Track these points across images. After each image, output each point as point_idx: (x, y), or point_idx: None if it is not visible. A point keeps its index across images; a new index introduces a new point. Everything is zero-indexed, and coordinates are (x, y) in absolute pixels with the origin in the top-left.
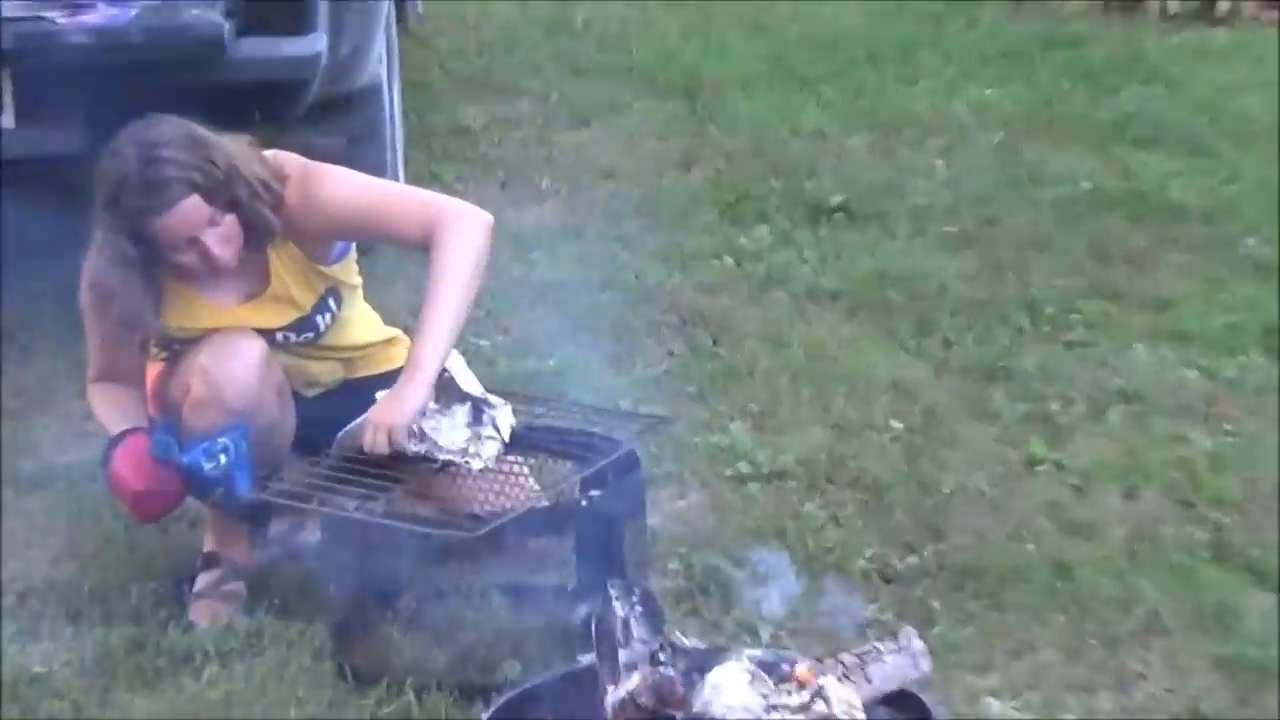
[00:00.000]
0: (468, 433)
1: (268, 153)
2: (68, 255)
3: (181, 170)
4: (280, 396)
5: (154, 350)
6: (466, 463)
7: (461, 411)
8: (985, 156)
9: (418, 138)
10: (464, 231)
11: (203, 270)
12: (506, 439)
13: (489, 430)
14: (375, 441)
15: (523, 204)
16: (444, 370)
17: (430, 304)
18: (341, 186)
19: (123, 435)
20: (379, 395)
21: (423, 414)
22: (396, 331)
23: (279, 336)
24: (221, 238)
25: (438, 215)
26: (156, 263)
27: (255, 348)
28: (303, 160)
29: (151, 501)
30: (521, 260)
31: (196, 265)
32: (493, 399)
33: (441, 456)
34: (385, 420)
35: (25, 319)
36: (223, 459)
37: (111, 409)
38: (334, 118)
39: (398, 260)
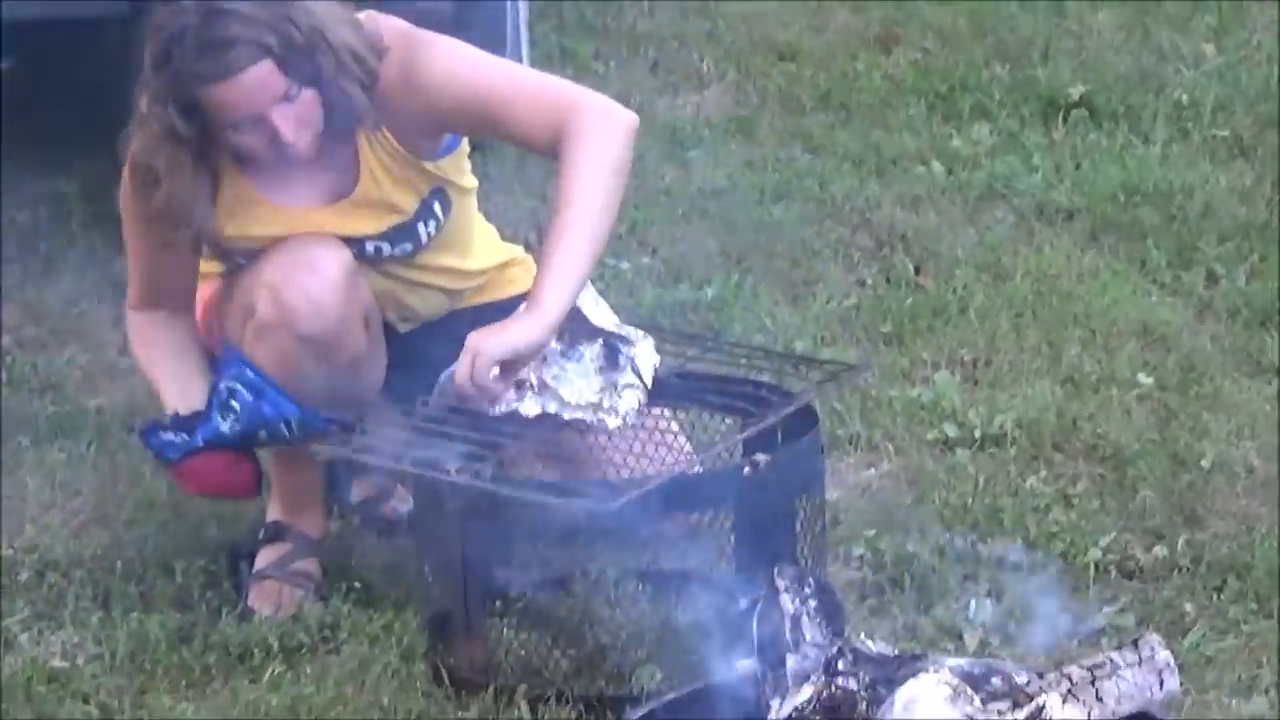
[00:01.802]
0: (599, 381)
1: (362, 14)
2: (101, 144)
3: (251, 28)
4: (368, 325)
5: (207, 265)
6: (600, 420)
7: (591, 353)
8: (1266, 39)
9: (546, 4)
10: (602, 135)
11: (270, 159)
12: (649, 385)
13: (628, 376)
14: (461, 374)
15: (678, 90)
16: None
17: (559, 228)
18: (453, 64)
19: (189, 446)
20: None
21: (535, 358)
22: (516, 250)
23: (369, 248)
24: (296, 118)
25: (570, 111)
26: (212, 145)
27: (337, 260)
28: (406, 27)
29: (236, 487)
30: (675, 162)
31: (262, 151)
32: (631, 332)
33: (567, 416)
34: (486, 348)
35: (46, 224)
36: (236, 404)
37: (165, 364)
38: None
39: (519, 159)
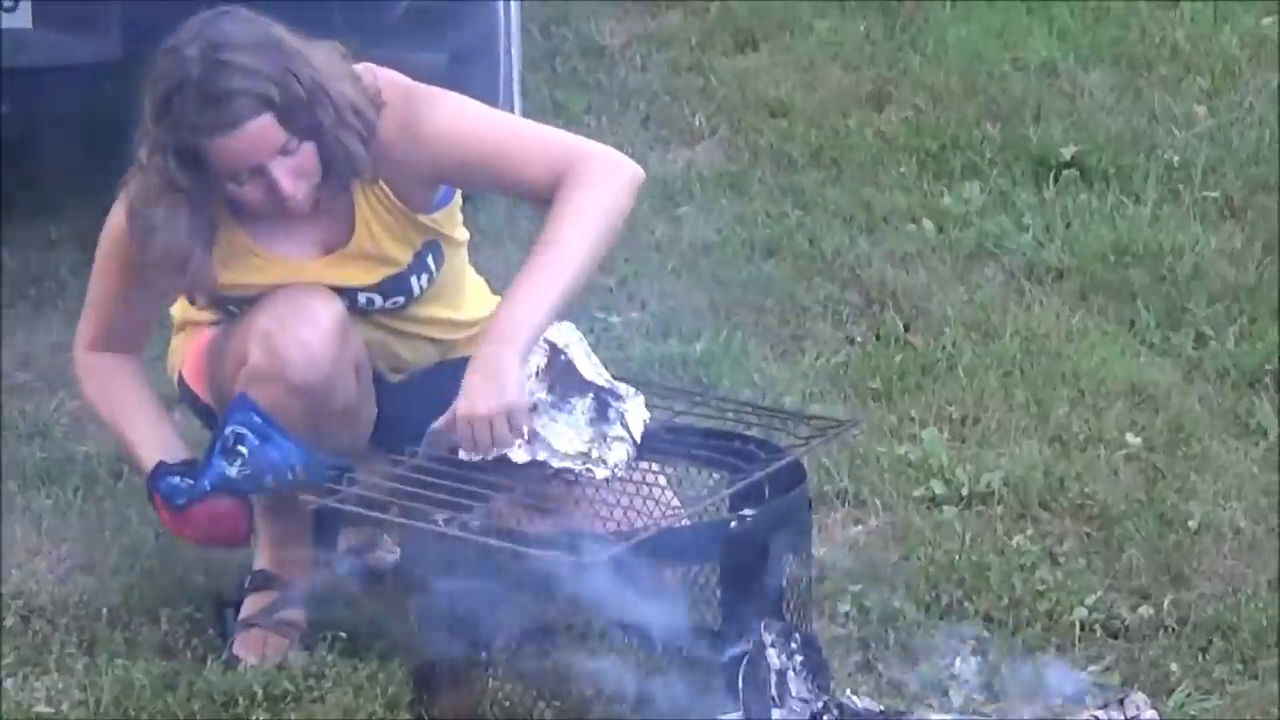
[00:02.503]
0: (590, 432)
1: (359, 67)
2: (92, 191)
3: (253, 81)
4: (359, 375)
5: (198, 314)
6: (588, 471)
7: (582, 406)
8: (1258, 102)
9: (539, 58)
10: (605, 181)
11: (267, 210)
12: (638, 440)
13: (617, 429)
14: (478, 438)
15: (669, 145)
16: (560, 353)
17: (539, 253)
18: (456, 119)
19: (195, 491)
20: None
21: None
22: None
23: (361, 299)
24: (294, 171)
25: (573, 160)
26: (211, 196)
27: (330, 310)
28: (406, 81)
29: (234, 535)
30: (665, 216)
31: (260, 203)
32: (621, 388)
33: (556, 464)
34: (484, 408)
35: (36, 270)
36: (243, 449)
37: (134, 413)
38: (435, 28)
39: (510, 212)
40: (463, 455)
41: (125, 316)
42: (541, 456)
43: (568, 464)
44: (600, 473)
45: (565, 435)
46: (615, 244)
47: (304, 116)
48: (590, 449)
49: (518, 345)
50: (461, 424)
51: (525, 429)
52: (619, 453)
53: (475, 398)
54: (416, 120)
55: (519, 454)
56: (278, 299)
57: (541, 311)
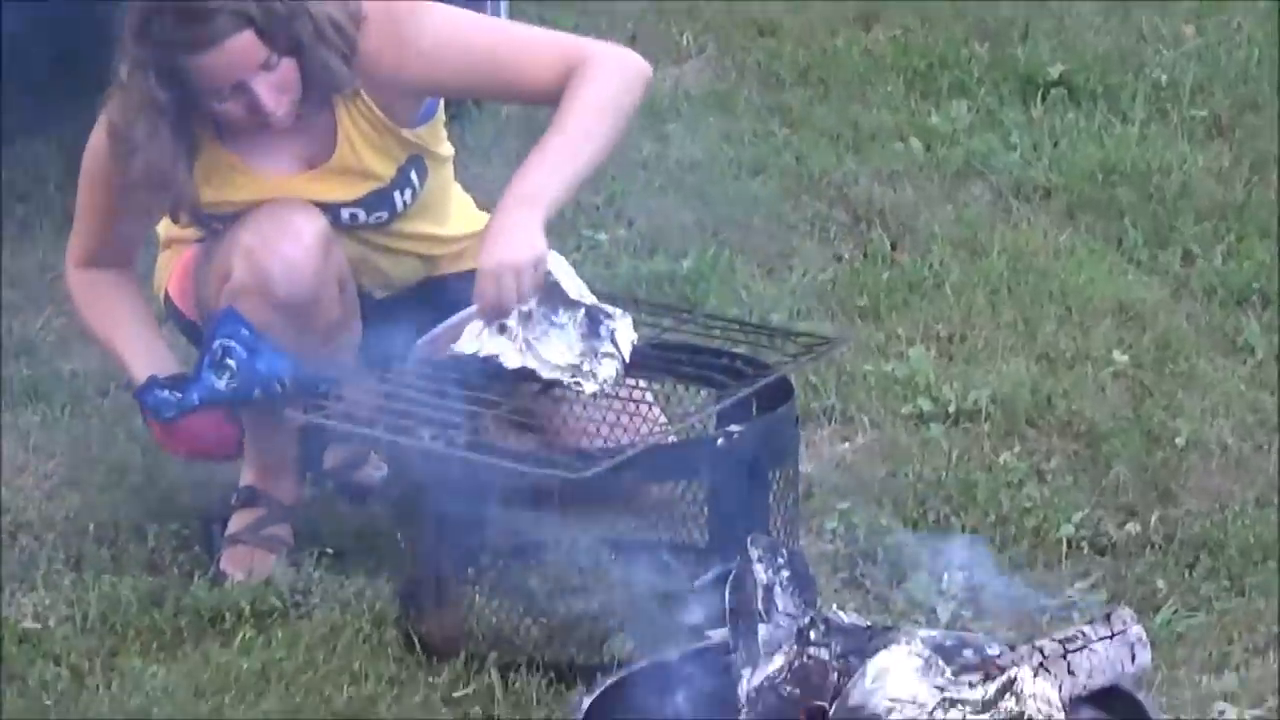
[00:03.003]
0: (581, 346)
1: None
2: (77, 109)
3: None
4: (343, 290)
5: (181, 231)
6: (577, 384)
7: (574, 321)
8: (1246, 22)
9: None
10: (613, 74)
11: (249, 126)
12: (626, 359)
13: (607, 346)
14: (503, 290)
15: (657, 64)
16: (546, 273)
17: (551, 138)
18: (448, 27)
19: (184, 404)
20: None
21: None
22: None
23: (345, 215)
24: (275, 87)
25: (580, 58)
26: (191, 113)
27: (313, 225)
28: None
29: (223, 447)
30: (653, 135)
31: (241, 119)
32: (609, 309)
33: (545, 375)
34: (509, 259)
35: (25, 188)
36: (231, 362)
37: (124, 328)
38: None
39: (497, 129)
40: (459, 348)
41: (112, 233)
42: (532, 364)
43: (557, 375)
44: (589, 387)
45: (556, 347)
46: (622, 139)
47: (284, 32)
48: (581, 362)
49: (539, 205)
50: (486, 278)
51: (521, 335)
52: (608, 369)
53: (501, 249)
54: (408, 35)
55: (512, 358)
56: (260, 215)
57: (558, 184)
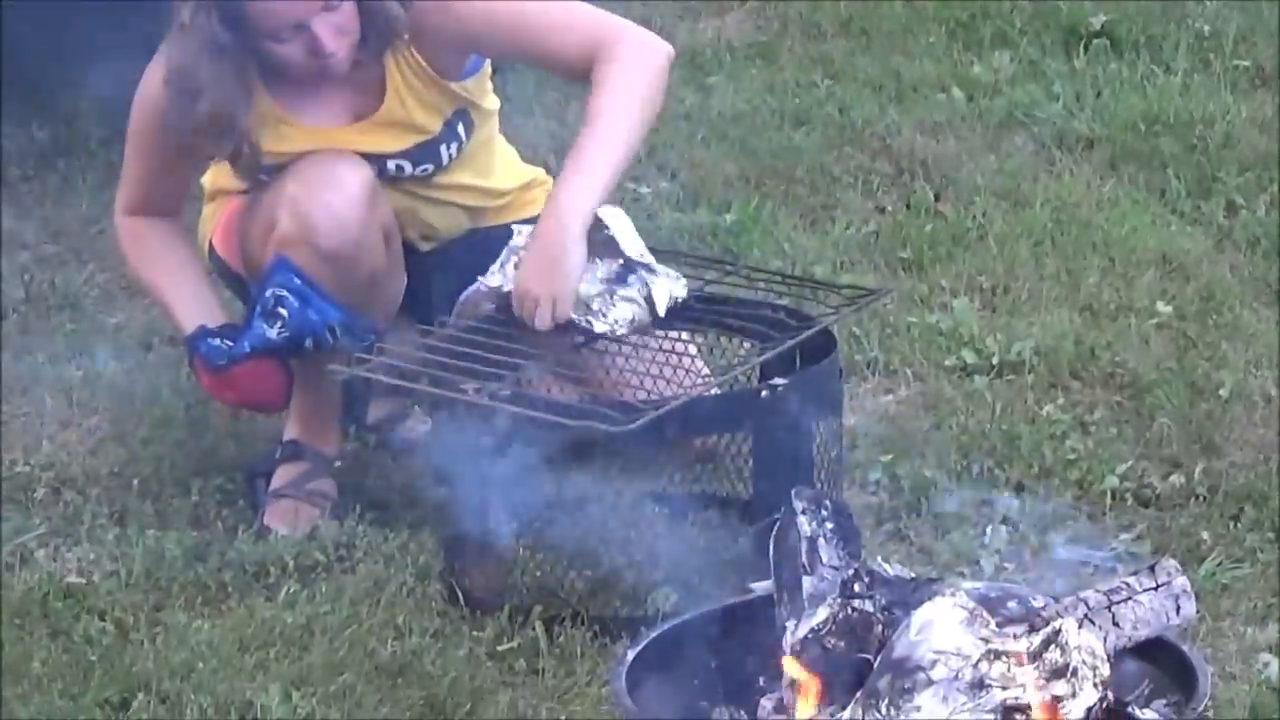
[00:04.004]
0: (599, 287)
1: None
2: (120, 60)
3: None
4: (388, 242)
5: (228, 182)
6: (587, 321)
7: (605, 269)
8: None
9: None
10: (638, 63)
11: (306, 71)
12: (660, 313)
13: (630, 293)
14: (524, 314)
15: (699, 15)
16: (604, 226)
17: (587, 139)
18: None
19: (236, 352)
20: (518, 239)
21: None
22: (538, 171)
23: (390, 166)
24: (336, 28)
25: (606, 38)
26: (248, 60)
27: (359, 176)
28: None
29: (273, 397)
30: (695, 86)
31: (300, 63)
32: (657, 266)
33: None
34: (547, 290)
35: (65, 141)
36: (283, 311)
37: (172, 276)
38: None
39: (540, 82)
40: (485, 281)
41: (162, 181)
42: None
43: (589, 319)
44: (599, 325)
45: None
46: (651, 124)
47: None
48: (591, 301)
49: (578, 216)
50: (518, 298)
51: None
52: (624, 311)
53: (534, 278)
54: None
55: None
56: (306, 165)
57: (598, 188)
